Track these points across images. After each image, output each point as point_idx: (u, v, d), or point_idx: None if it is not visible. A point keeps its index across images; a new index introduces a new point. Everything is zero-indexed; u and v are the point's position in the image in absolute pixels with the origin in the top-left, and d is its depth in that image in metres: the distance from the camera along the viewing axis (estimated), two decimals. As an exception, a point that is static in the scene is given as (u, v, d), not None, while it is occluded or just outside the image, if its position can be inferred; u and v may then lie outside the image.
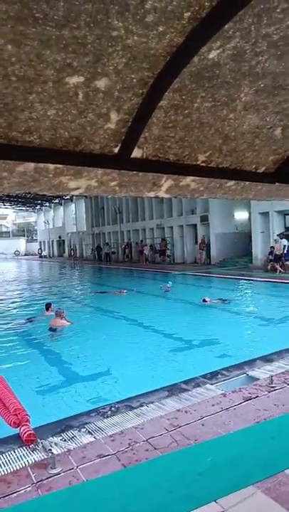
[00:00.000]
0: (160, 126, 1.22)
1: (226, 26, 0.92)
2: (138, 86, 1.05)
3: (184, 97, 1.14)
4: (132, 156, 1.26)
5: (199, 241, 22.92)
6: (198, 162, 1.42)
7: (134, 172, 1.30)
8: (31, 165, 1.09)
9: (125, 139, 1.20)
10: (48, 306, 10.17)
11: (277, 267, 16.68)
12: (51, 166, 1.12)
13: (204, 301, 10.77)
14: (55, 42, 0.85)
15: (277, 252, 16.87)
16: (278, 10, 0.90)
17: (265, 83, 1.16)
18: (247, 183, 1.61)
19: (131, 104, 1.10)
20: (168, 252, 25.30)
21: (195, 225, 23.89)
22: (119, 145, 1.22)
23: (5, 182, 1.11)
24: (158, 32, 0.90)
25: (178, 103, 1.16)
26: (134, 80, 1.03)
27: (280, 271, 16.44)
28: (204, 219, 22.82)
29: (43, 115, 1.02)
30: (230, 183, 1.57)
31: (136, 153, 1.26)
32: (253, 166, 1.57)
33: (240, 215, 22.61)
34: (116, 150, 1.23)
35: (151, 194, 1.44)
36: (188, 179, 1.44)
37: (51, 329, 8.63)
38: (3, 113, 0.97)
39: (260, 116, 1.32)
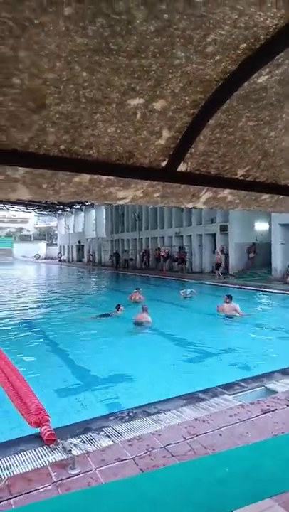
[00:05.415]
0: (205, 143, 1.29)
1: (277, 56, 1.00)
2: (190, 107, 1.13)
3: (230, 117, 1.21)
4: (178, 169, 1.34)
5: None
6: (237, 176, 1.49)
7: (177, 184, 1.37)
8: (87, 176, 1.18)
9: (173, 154, 1.28)
10: (118, 307, 10.82)
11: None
12: (104, 178, 1.20)
13: (219, 310, 10.52)
14: (124, 69, 0.94)
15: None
16: None
17: None
18: (281, 196, 1.66)
19: (182, 123, 1.18)
20: (186, 260, 25.17)
21: (214, 235, 23.76)
22: (167, 159, 1.29)
23: (62, 191, 1.20)
24: (214, 60, 0.98)
25: (224, 122, 1.23)
26: (188, 102, 1.11)
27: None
28: (224, 228, 22.66)
29: (104, 132, 1.11)
30: (265, 196, 1.63)
31: (181, 167, 1.34)
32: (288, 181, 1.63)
33: (261, 226, 22.35)
34: (163, 164, 1.30)
35: (190, 205, 1.51)
36: (226, 191, 1.51)
37: (136, 323, 9.39)
38: (69, 130, 1.06)
39: None
